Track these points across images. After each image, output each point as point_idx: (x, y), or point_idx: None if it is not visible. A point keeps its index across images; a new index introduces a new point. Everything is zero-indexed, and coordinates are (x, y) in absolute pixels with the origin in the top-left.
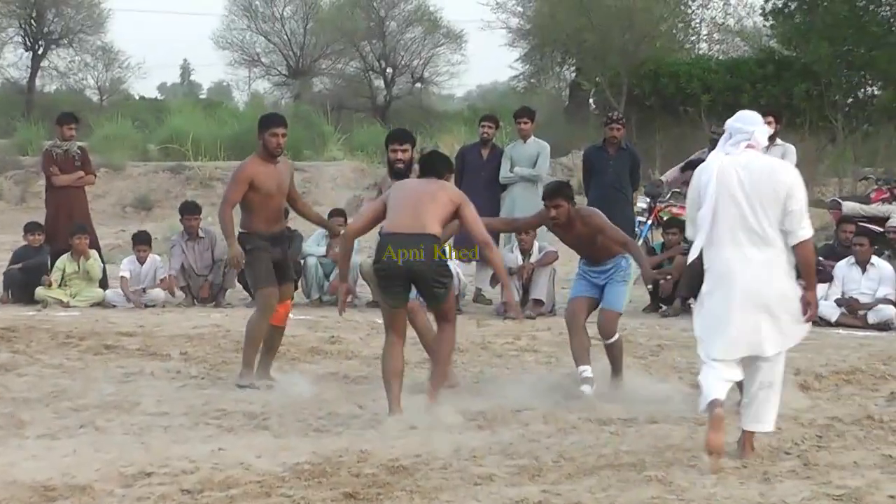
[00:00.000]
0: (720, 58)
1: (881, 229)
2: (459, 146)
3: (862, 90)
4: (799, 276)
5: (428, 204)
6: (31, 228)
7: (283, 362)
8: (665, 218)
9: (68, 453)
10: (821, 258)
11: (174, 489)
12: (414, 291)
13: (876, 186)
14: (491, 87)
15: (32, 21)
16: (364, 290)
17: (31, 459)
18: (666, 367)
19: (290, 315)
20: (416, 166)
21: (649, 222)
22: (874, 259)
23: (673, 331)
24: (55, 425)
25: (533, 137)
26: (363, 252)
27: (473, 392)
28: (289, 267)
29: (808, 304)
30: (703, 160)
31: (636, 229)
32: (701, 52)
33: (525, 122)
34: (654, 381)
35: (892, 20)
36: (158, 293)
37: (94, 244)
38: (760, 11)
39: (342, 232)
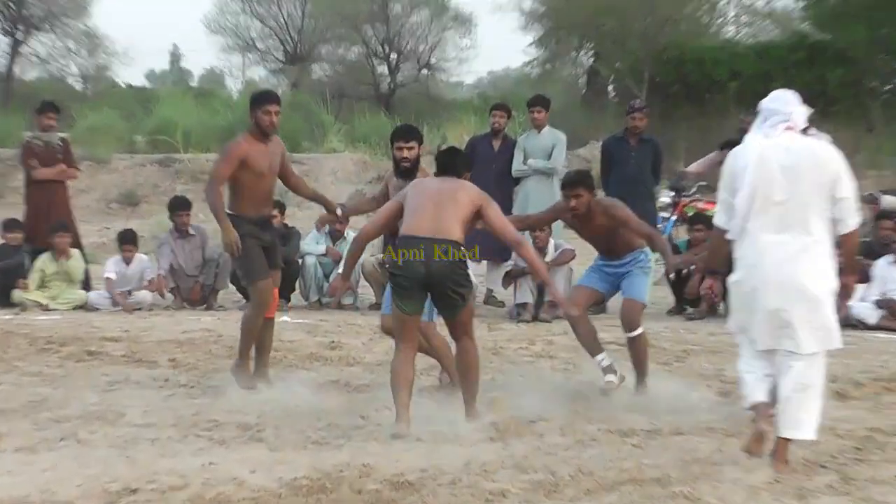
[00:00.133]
0: (749, 42)
1: None
2: (469, 137)
3: None
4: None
5: (448, 206)
6: (8, 226)
7: (279, 369)
8: (690, 214)
9: (48, 468)
10: (858, 257)
11: None
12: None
13: None
14: (502, 73)
15: (11, 4)
16: (366, 292)
17: (7, 475)
18: (692, 373)
19: (288, 319)
20: (422, 165)
21: (673, 218)
22: None
23: (700, 335)
24: (34, 437)
25: (548, 127)
26: (366, 250)
27: (484, 401)
28: (277, 252)
29: (846, 288)
30: (739, 141)
31: (659, 225)
32: (728, 36)
33: (539, 112)
34: (680, 389)
35: None
36: (146, 295)
37: (77, 243)
38: None
39: (338, 212)
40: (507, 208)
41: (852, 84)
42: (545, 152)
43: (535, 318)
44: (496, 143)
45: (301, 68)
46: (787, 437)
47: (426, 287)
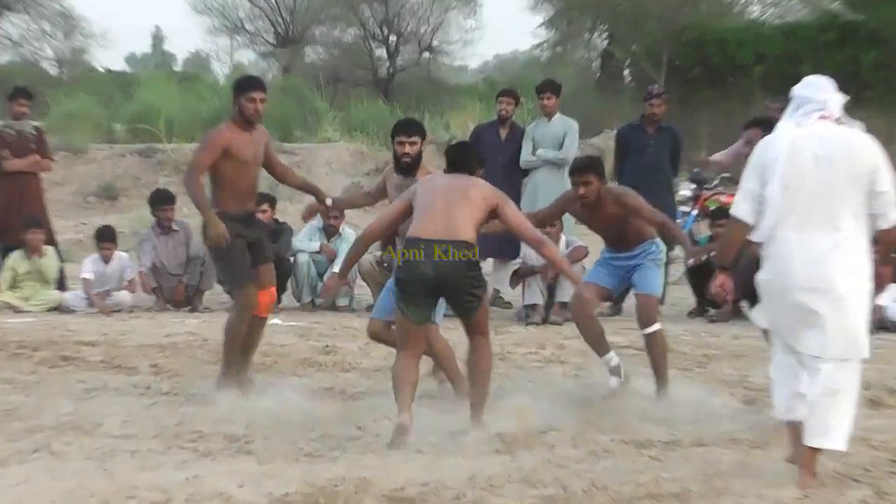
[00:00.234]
0: (775, 22)
1: None
2: (474, 126)
3: None
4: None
5: (460, 205)
6: None
7: (270, 375)
8: (712, 208)
9: (20, 481)
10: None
11: None
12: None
13: None
14: (510, 57)
15: None
16: (363, 292)
17: None
18: (715, 379)
19: (279, 321)
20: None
21: (694, 212)
22: None
23: (722, 338)
24: (4, 449)
25: (559, 115)
26: None
27: (490, 410)
28: (265, 247)
29: (880, 278)
30: (771, 120)
31: (679, 220)
32: (753, 15)
33: (549, 98)
34: (701, 397)
35: None
36: (125, 296)
37: (51, 240)
38: None
39: (327, 202)
40: (514, 202)
41: (887, 67)
42: (556, 142)
43: (545, 321)
44: (503, 132)
45: (293, 51)
46: (815, 446)
47: (436, 292)
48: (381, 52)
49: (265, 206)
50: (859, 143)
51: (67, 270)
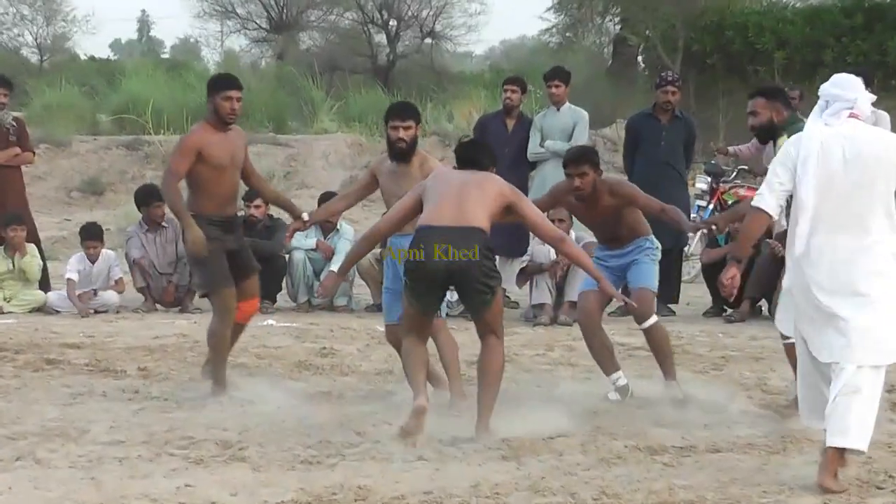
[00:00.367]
0: (797, 6)
1: None
2: (479, 115)
3: None
4: None
5: (474, 194)
6: None
7: (265, 379)
8: (730, 202)
9: (2, 491)
10: None
11: None
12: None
13: None
14: (517, 42)
15: None
16: (362, 292)
17: None
18: (731, 382)
19: (274, 322)
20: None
21: (711, 207)
22: None
23: (740, 339)
24: None
25: (568, 104)
26: None
27: (496, 415)
28: (249, 256)
29: None
30: (775, 89)
31: (695, 215)
32: None
33: (558, 86)
34: (717, 401)
35: None
36: (111, 296)
37: (33, 237)
38: None
39: (304, 217)
40: None
41: None
42: (565, 132)
43: (554, 321)
44: (510, 123)
45: (287, 37)
46: (834, 445)
47: (446, 284)
48: (380, 38)
49: (259, 202)
50: (889, 143)
51: (51, 269)
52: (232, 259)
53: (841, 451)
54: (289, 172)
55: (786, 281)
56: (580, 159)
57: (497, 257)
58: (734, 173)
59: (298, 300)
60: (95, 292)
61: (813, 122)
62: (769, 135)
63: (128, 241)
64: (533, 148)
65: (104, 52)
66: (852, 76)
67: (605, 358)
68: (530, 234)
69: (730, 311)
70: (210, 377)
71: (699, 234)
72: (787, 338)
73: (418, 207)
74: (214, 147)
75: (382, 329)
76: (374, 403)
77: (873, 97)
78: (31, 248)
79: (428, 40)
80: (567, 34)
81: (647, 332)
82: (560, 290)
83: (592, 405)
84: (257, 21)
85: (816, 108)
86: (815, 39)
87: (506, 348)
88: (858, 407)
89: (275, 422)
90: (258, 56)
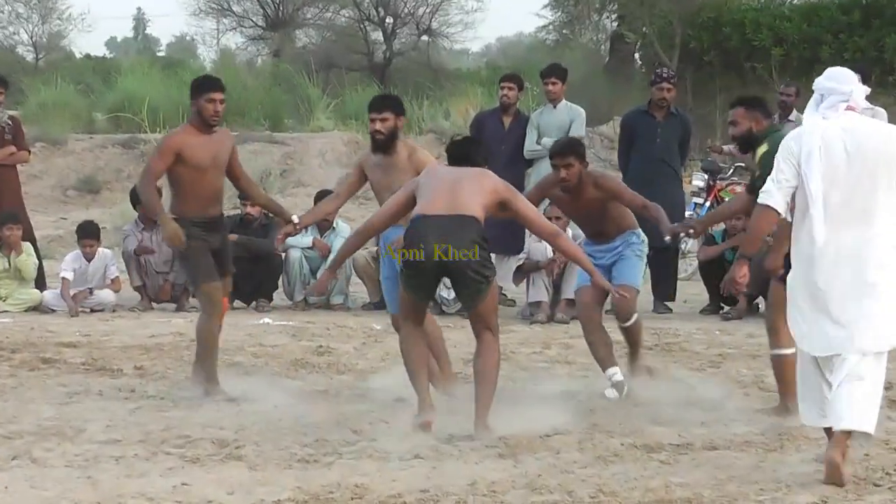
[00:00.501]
0: (795, 2)
1: None
2: (475, 113)
3: None
4: None
5: (469, 187)
6: None
7: (261, 377)
8: (727, 199)
9: None
10: None
11: None
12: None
13: None
14: (514, 39)
15: None
16: (358, 290)
17: None
18: (728, 380)
19: (270, 321)
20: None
21: (707, 204)
22: None
23: (737, 337)
24: None
25: (565, 101)
26: None
27: (493, 413)
28: (228, 258)
29: None
30: (756, 99)
31: (691, 212)
32: None
33: (555, 83)
34: (714, 398)
35: None
36: (108, 295)
37: (28, 236)
38: None
39: (294, 220)
40: None
41: None
42: (562, 130)
43: (551, 319)
44: (506, 120)
45: (283, 35)
46: (843, 428)
47: (441, 275)
48: (376, 36)
49: (292, 216)
50: (888, 135)
51: (47, 268)
52: (213, 258)
53: (848, 436)
54: (285, 170)
55: (791, 275)
56: (566, 151)
57: (493, 255)
58: (731, 170)
59: (295, 298)
60: (91, 291)
61: (810, 116)
62: (749, 144)
63: (125, 240)
64: (529, 145)
65: (100, 51)
66: (846, 69)
67: (602, 353)
68: (526, 231)
69: (727, 308)
70: (200, 377)
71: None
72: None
73: (411, 203)
74: (195, 149)
75: (379, 327)
76: (371, 402)
77: (867, 89)
78: (27, 246)
79: (424, 38)
80: (564, 31)
81: (625, 329)
82: (557, 287)
83: (589, 403)
84: (253, 19)
85: (812, 103)
86: (813, 36)
87: (502, 346)
88: (863, 393)
89: (271, 420)
90: (254, 54)
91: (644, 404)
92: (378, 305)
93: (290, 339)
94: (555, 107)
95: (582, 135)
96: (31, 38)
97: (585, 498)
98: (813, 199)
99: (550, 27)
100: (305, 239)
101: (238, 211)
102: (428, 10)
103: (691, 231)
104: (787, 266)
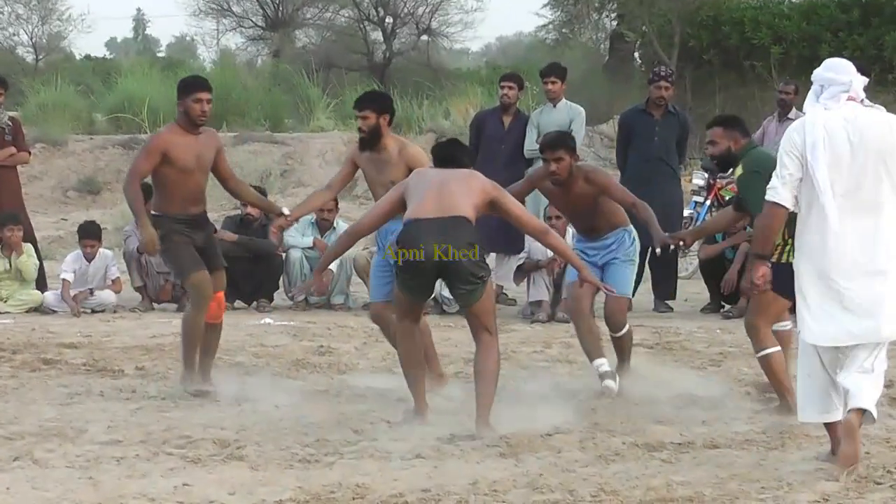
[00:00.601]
0: (794, 0)
1: None
2: (475, 112)
3: None
4: None
5: (458, 188)
6: None
7: (262, 378)
8: (728, 198)
9: (0, 491)
10: None
11: None
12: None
13: None
14: (514, 39)
15: None
16: (359, 290)
17: None
18: (729, 379)
19: (271, 321)
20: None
21: (707, 203)
22: None
23: (738, 335)
24: None
25: (564, 101)
26: (357, 244)
27: (493, 412)
28: (217, 254)
29: None
30: (734, 119)
31: (691, 211)
32: None
33: (554, 82)
34: (715, 397)
35: None
36: (108, 295)
37: (29, 236)
38: None
39: (285, 212)
40: None
41: None
42: (561, 129)
43: (552, 318)
44: (506, 119)
45: (283, 35)
46: (857, 406)
47: (438, 276)
48: (376, 36)
49: (282, 209)
50: (889, 124)
51: (47, 269)
52: (199, 255)
53: (861, 415)
54: (285, 170)
55: (799, 264)
56: (556, 144)
57: (495, 255)
58: (731, 169)
59: (296, 298)
60: (92, 291)
61: (811, 107)
62: (727, 163)
63: (126, 240)
64: (529, 144)
65: (100, 51)
66: (844, 60)
67: (590, 344)
68: None
69: (727, 307)
70: (190, 373)
71: None
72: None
73: (400, 204)
74: (181, 149)
75: (378, 327)
76: (371, 402)
77: (866, 79)
78: (28, 247)
79: (424, 37)
80: (563, 30)
81: (616, 339)
82: (557, 286)
83: (591, 402)
84: (253, 19)
85: (811, 94)
86: (812, 34)
87: (503, 345)
88: (872, 383)
89: (272, 420)
90: (254, 54)
91: (644, 403)
92: None
93: (291, 339)
94: (555, 106)
95: (582, 134)
96: (31, 38)
97: (587, 497)
98: (821, 189)
99: (550, 26)
100: (306, 239)
101: (238, 212)
102: (427, 10)
103: (681, 243)
104: (779, 277)
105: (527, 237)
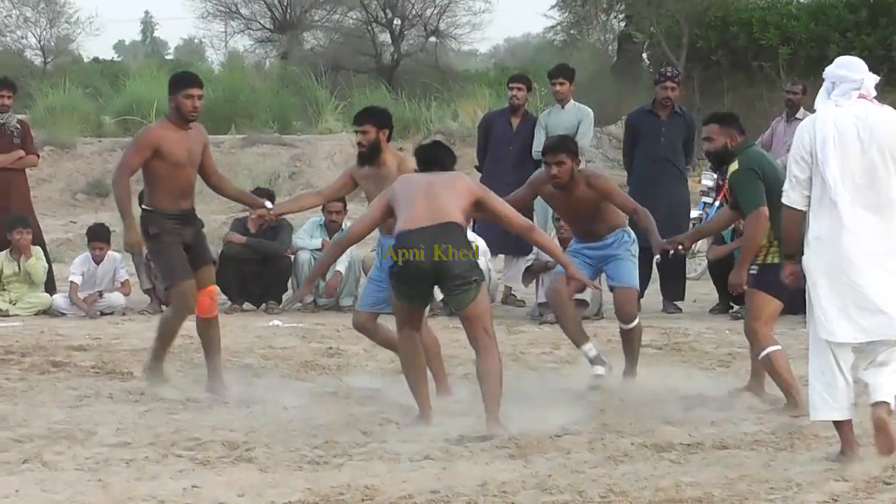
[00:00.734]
0: (802, 1)
1: None
2: (484, 113)
3: None
4: None
5: (445, 192)
6: None
7: (271, 380)
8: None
9: (9, 493)
10: None
11: None
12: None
13: None
14: (522, 40)
15: None
16: None
17: None
18: (738, 380)
19: (280, 323)
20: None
21: (717, 203)
22: None
23: None
24: None
25: (573, 102)
26: (366, 245)
27: (502, 413)
28: (205, 248)
29: None
30: (730, 116)
31: (700, 212)
32: None
33: (562, 84)
34: (724, 398)
35: None
36: (117, 298)
37: (38, 239)
38: None
39: (267, 205)
40: None
41: None
42: (570, 130)
43: None
44: (514, 121)
45: (291, 37)
46: (880, 398)
47: (436, 279)
48: (384, 37)
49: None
50: None
51: (56, 272)
52: (187, 251)
53: (885, 406)
54: (294, 173)
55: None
56: (558, 148)
57: (504, 257)
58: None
59: (304, 300)
60: (101, 294)
61: (822, 104)
62: (723, 159)
63: None
64: (538, 146)
65: (108, 54)
66: (856, 58)
67: (574, 330)
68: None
69: (736, 307)
70: (149, 366)
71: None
72: None
73: (387, 211)
74: (172, 144)
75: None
76: (380, 403)
77: (877, 78)
78: (37, 250)
79: (432, 39)
80: (571, 31)
81: (625, 333)
82: None
83: (599, 403)
84: (261, 21)
85: (822, 91)
86: (820, 35)
87: (513, 347)
88: (890, 376)
89: (281, 422)
90: (262, 56)
91: (653, 404)
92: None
93: (300, 341)
94: (563, 107)
95: (590, 135)
96: (40, 42)
97: (596, 498)
98: (832, 185)
99: (558, 28)
100: (315, 241)
101: (246, 213)
102: (435, 12)
103: (680, 247)
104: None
105: None
